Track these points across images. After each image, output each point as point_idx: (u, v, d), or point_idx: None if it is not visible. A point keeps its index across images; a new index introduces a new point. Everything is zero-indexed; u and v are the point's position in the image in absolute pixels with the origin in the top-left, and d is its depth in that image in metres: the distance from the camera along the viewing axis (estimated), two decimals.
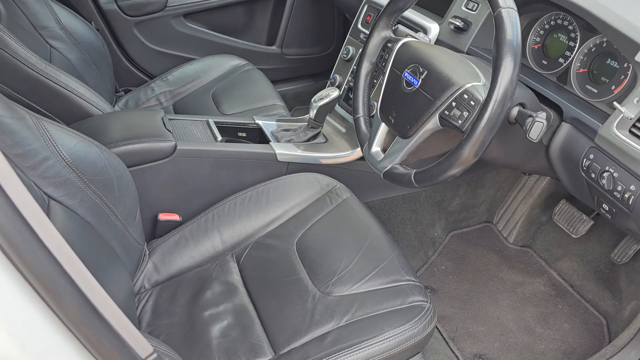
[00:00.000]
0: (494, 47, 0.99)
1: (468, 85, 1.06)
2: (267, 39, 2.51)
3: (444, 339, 1.54)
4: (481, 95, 1.03)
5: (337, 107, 1.74)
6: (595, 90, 1.26)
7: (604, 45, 1.25)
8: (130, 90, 2.15)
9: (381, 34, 1.29)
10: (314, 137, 1.66)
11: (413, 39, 1.25)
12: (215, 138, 1.55)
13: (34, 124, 1.09)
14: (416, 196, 1.80)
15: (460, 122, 1.05)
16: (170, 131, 1.47)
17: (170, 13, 2.23)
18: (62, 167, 1.13)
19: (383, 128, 1.24)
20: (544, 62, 1.38)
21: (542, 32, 1.39)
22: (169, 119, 1.56)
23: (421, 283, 1.24)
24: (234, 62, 2.15)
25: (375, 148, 1.25)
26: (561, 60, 1.34)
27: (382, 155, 1.22)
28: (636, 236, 1.20)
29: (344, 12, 2.20)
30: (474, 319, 1.61)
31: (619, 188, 1.08)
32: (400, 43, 1.23)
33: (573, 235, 1.67)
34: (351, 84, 1.72)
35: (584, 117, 1.17)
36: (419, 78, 1.13)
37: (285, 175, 1.60)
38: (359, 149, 1.64)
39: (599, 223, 1.68)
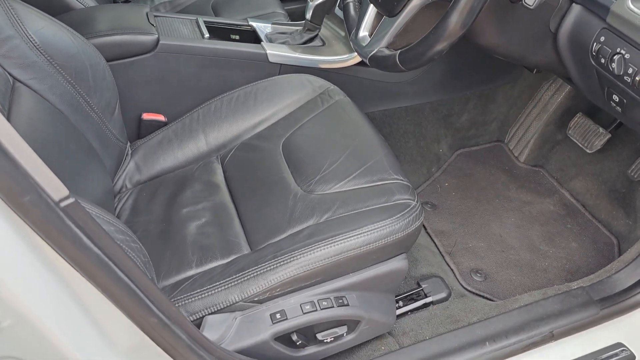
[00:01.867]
0: None
1: None
2: None
3: (440, 252, 1.46)
4: None
5: (337, 10, 1.62)
6: None
7: None
8: (128, 0, 2.07)
9: None
10: (311, 40, 1.56)
11: None
12: (202, 35, 1.46)
13: None
14: (421, 108, 1.69)
15: None
16: (153, 25, 1.39)
17: None
18: (28, 49, 1.07)
19: (371, 10, 1.13)
20: None
21: None
22: (155, 16, 1.48)
23: (410, 183, 1.15)
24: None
25: (363, 33, 1.15)
26: None
27: (369, 39, 1.12)
28: None
29: None
30: (475, 235, 1.52)
31: (630, 71, 0.96)
32: None
33: (587, 150, 1.54)
34: None
35: None
36: None
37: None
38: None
39: (617, 138, 1.55)
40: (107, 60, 1.26)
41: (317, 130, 1.30)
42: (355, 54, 1.53)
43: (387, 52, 1.05)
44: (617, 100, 1.05)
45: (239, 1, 1.90)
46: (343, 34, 1.60)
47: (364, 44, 1.12)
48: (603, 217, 1.55)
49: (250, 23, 1.59)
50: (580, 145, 1.55)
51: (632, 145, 1.57)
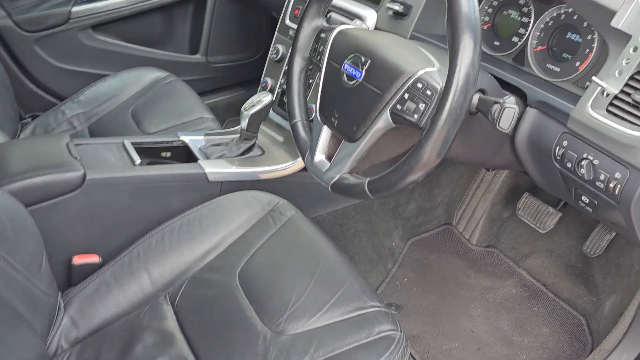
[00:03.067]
0: (448, 26, 0.83)
1: (421, 72, 0.89)
2: (189, 47, 2.29)
3: None
4: (438, 83, 0.87)
5: (272, 114, 1.56)
6: (558, 69, 1.12)
7: (562, 18, 1.12)
8: (37, 115, 1.89)
9: (312, 23, 1.11)
10: (249, 149, 1.47)
11: (349, 26, 1.08)
12: (132, 161, 1.32)
13: None
14: (369, 205, 1.63)
15: (416, 116, 0.88)
16: (77, 158, 1.24)
17: (75, 26, 1.98)
18: None
19: (326, 132, 1.06)
20: (495, 43, 1.24)
21: (490, 10, 1.26)
22: (76, 144, 1.33)
23: (387, 308, 1.06)
24: (153, 74, 1.93)
25: (319, 156, 1.07)
26: (515, 39, 1.20)
27: (328, 164, 1.04)
28: (621, 230, 1.07)
29: (271, 10, 2.02)
30: (447, 334, 1.45)
31: (602, 177, 0.95)
32: (335, 31, 1.06)
33: (541, 230, 1.54)
34: (284, 87, 1.53)
35: (551, 99, 1.03)
36: (362, 69, 0.96)
37: (219, 196, 1.39)
38: (301, 158, 1.46)
39: (565, 214, 1.56)
40: (27, 206, 1.10)
41: (275, 256, 1.19)
42: (297, 161, 1.46)
43: (352, 179, 0.98)
44: (588, 201, 1.03)
45: (160, 107, 1.78)
46: (282, 139, 1.53)
47: (323, 169, 1.04)
48: (566, 295, 1.54)
49: (182, 138, 1.48)
50: (533, 226, 1.55)
51: (580, 218, 1.59)
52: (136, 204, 1.30)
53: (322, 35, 1.09)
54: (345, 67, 0.99)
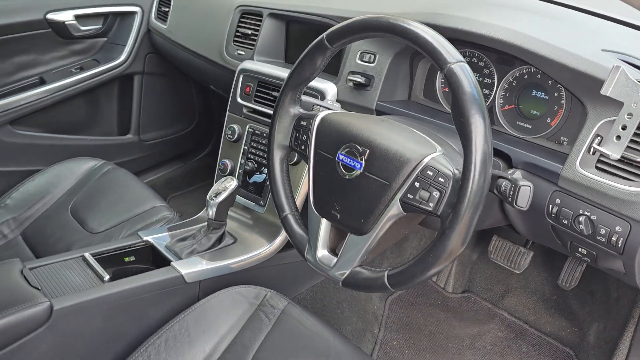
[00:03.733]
0: (453, 109, 0.82)
1: (427, 159, 0.87)
2: (119, 128, 2.15)
3: None
4: (448, 169, 0.85)
5: (238, 197, 1.48)
6: (529, 126, 1.15)
7: (525, 77, 1.15)
8: None
9: (289, 111, 1.07)
10: (220, 239, 1.38)
11: (331, 112, 1.04)
12: (100, 278, 1.19)
13: None
14: None
15: (432, 204, 0.85)
16: (37, 288, 1.10)
17: None
18: None
19: (325, 225, 1.00)
20: None
21: None
22: (31, 269, 1.18)
23: None
24: (87, 164, 1.79)
25: (322, 251, 1.01)
26: None
27: (334, 259, 0.98)
28: (617, 274, 1.10)
29: (207, 83, 1.95)
30: None
31: (602, 232, 0.97)
32: (317, 120, 1.02)
33: (516, 271, 1.56)
34: (247, 167, 1.46)
35: (537, 159, 1.05)
36: (361, 159, 0.92)
37: (199, 298, 1.29)
38: (278, 239, 1.39)
39: (535, 250, 1.60)
40: None
41: (279, 358, 1.11)
42: (274, 243, 1.39)
43: (367, 273, 0.93)
44: (586, 252, 1.05)
45: (104, 200, 1.64)
46: (251, 222, 1.45)
47: (330, 265, 0.98)
48: (550, 330, 1.57)
49: (145, 238, 1.36)
50: (508, 268, 1.57)
51: (545, 250, 1.64)
52: (111, 325, 1.16)
53: (302, 123, 1.04)
54: (341, 158, 0.95)
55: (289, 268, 1.45)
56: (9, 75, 1.86)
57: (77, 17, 1.89)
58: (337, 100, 1.33)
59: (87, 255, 1.26)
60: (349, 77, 1.30)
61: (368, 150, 0.92)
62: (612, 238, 0.95)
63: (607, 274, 1.51)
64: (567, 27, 1.11)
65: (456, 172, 0.85)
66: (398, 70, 1.28)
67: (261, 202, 1.44)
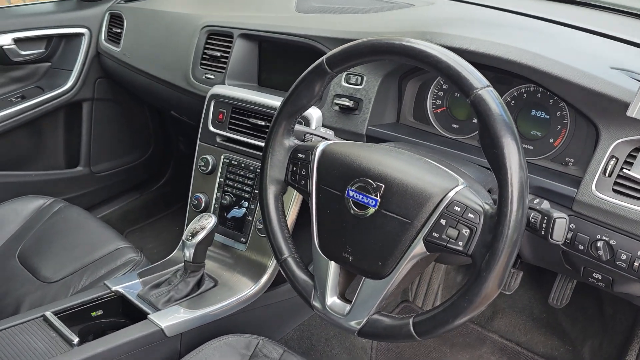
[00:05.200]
0: (483, 138, 0.75)
1: (452, 194, 0.79)
2: (66, 160, 1.96)
3: None
4: (477, 203, 0.77)
5: (215, 235, 1.34)
6: (531, 147, 1.10)
7: (524, 97, 1.10)
8: None
9: (284, 143, 0.96)
10: (198, 284, 1.25)
11: (330, 142, 0.95)
12: (68, 342, 1.03)
13: None
14: None
15: (461, 243, 0.77)
16: None
17: None
18: None
19: (334, 269, 0.90)
20: (454, 125, 1.20)
21: (440, 93, 1.21)
22: None
23: None
24: (34, 203, 1.60)
25: (332, 298, 0.90)
26: (475, 120, 1.16)
27: (347, 307, 0.88)
28: (632, 298, 1.06)
29: (167, 109, 1.81)
30: None
31: (623, 257, 0.92)
32: (317, 152, 0.92)
33: (507, 292, 1.51)
34: (223, 201, 1.34)
35: (546, 182, 0.99)
36: (376, 196, 0.83)
37: (180, 352, 1.16)
38: (264, 278, 1.28)
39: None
40: None
41: None
42: (259, 283, 1.28)
43: (388, 320, 0.84)
44: (601, 277, 1.00)
45: (57, 243, 1.46)
46: (232, 261, 1.33)
47: (342, 313, 0.88)
48: (542, 350, 1.53)
49: (113, 289, 1.21)
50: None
51: (531, 268, 1.60)
52: None
53: (300, 155, 0.94)
54: (351, 194, 0.85)
55: (276, 308, 1.34)
56: None
57: (16, 40, 1.71)
58: (323, 126, 1.24)
59: (48, 314, 1.10)
60: (335, 101, 1.21)
61: (383, 186, 0.83)
62: (635, 263, 0.90)
63: (598, 290, 1.48)
64: (568, 45, 1.07)
65: (486, 206, 0.77)
66: (387, 92, 1.20)
67: (242, 239, 1.32)
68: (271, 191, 0.98)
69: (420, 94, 1.24)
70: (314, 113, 1.23)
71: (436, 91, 1.21)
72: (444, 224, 0.79)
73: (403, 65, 1.15)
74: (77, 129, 1.93)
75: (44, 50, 1.80)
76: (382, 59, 0.86)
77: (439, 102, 1.21)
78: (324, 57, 0.89)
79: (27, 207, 1.60)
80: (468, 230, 0.77)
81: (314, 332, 1.45)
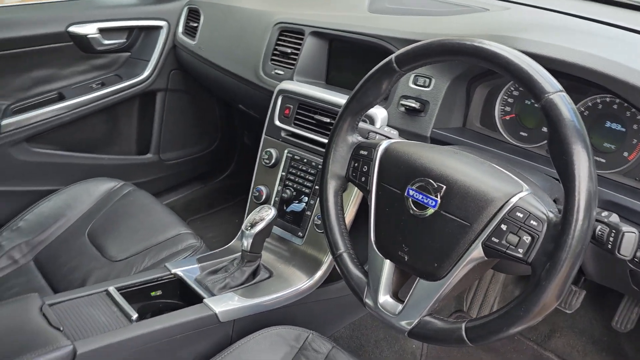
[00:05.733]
0: (552, 144, 0.72)
1: (515, 199, 0.77)
2: (138, 147, 2.06)
3: None
4: (541, 211, 0.75)
5: (274, 227, 1.37)
6: (604, 160, 1.05)
7: (599, 108, 1.06)
8: None
9: (347, 140, 0.97)
10: (254, 273, 1.27)
11: (394, 141, 0.95)
12: (128, 317, 1.08)
13: None
14: None
15: (521, 250, 0.75)
16: (59, 329, 0.99)
17: (7, 140, 1.70)
18: None
19: (389, 267, 0.90)
20: (522, 133, 1.16)
21: (510, 100, 1.18)
22: (50, 304, 1.07)
23: None
24: (106, 185, 1.69)
25: (384, 297, 0.90)
26: (545, 128, 1.13)
27: (399, 306, 0.88)
28: None
29: (236, 102, 1.86)
30: None
31: None
32: (380, 150, 0.92)
33: (567, 311, 1.46)
34: (284, 195, 1.36)
35: (620, 198, 0.95)
36: (436, 196, 0.82)
37: (232, 338, 1.18)
38: (318, 273, 1.29)
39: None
40: None
41: None
42: (313, 277, 1.29)
43: (440, 323, 0.83)
44: None
45: (124, 225, 1.54)
46: (288, 254, 1.35)
47: (394, 312, 0.88)
48: None
49: (173, 271, 1.25)
50: (559, 307, 1.46)
51: (596, 288, 1.53)
52: None
53: (362, 152, 0.94)
54: (411, 194, 0.85)
55: (328, 304, 1.34)
56: (27, 89, 1.76)
57: (100, 30, 1.80)
58: (387, 126, 1.23)
59: (111, 289, 1.15)
60: (401, 102, 1.20)
61: (445, 187, 0.82)
62: None
63: None
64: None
65: (550, 214, 0.75)
66: (455, 95, 1.19)
67: (299, 233, 1.34)
68: (331, 186, 0.99)
69: (489, 99, 1.21)
70: (379, 113, 1.23)
71: (506, 97, 1.18)
72: (504, 229, 0.77)
73: (472, 69, 1.13)
74: (149, 118, 2.02)
75: (124, 40, 1.89)
76: (452, 59, 0.85)
77: (508, 108, 1.18)
78: (393, 55, 0.89)
79: (98, 189, 1.68)
80: (529, 238, 0.75)
81: (365, 332, 1.45)
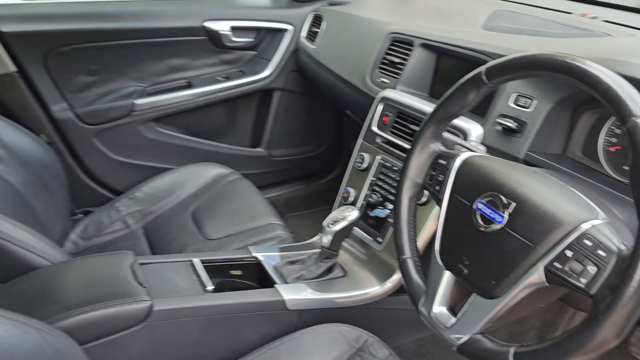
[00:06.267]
0: (633, 170, 0.68)
1: (587, 226, 0.72)
2: (251, 141, 2.19)
3: None
4: (612, 242, 0.70)
5: (355, 229, 1.39)
6: None
7: None
8: (90, 211, 1.78)
9: (428, 147, 0.97)
10: (329, 270, 1.30)
11: (474, 154, 0.93)
12: (203, 286, 1.17)
13: None
14: None
15: (584, 280, 0.70)
16: (143, 285, 1.09)
17: (137, 118, 1.90)
18: None
19: (447, 278, 0.89)
20: (625, 167, 1.08)
21: (618, 131, 1.10)
22: (141, 263, 1.18)
23: None
24: (215, 170, 1.81)
25: (439, 307, 0.89)
26: None
27: (452, 319, 0.86)
28: None
29: (344, 107, 1.92)
30: None
31: None
32: (459, 161, 0.91)
33: (637, 355, 1.31)
34: (370, 199, 1.38)
35: None
36: (504, 213, 0.80)
37: (296, 326, 1.22)
38: (391, 281, 1.28)
39: None
40: (82, 343, 0.94)
41: None
42: (384, 285, 1.28)
43: (489, 344, 0.80)
44: None
45: (223, 209, 1.64)
46: (365, 258, 1.36)
47: (446, 324, 0.86)
48: None
49: (254, 254, 1.32)
50: (633, 353, 1.32)
51: None
52: (205, 338, 1.13)
53: (441, 161, 0.94)
54: (479, 207, 0.83)
55: (395, 314, 1.33)
56: (162, 75, 1.96)
57: (232, 28, 1.96)
58: (482, 144, 1.21)
59: (195, 261, 1.25)
60: (497, 120, 1.17)
61: (514, 204, 0.79)
62: None
63: None
64: None
65: (622, 247, 0.70)
66: (557, 120, 1.13)
67: (379, 239, 1.34)
68: (407, 191, 0.99)
69: (595, 129, 1.14)
70: (474, 129, 1.21)
71: (613, 128, 1.10)
72: (569, 256, 0.72)
73: (579, 93, 1.08)
74: (264, 114, 2.14)
75: (252, 39, 2.03)
76: (542, 74, 0.82)
77: (614, 139, 1.10)
78: (483, 66, 0.88)
79: (208, 173, 1.81)
80: (595, 268, 0.70)
81: (429, 351, 1.41)
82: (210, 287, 1.17)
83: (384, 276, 1.30)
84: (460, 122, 1.22)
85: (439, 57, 1.43)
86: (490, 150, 1.18)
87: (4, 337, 0.78)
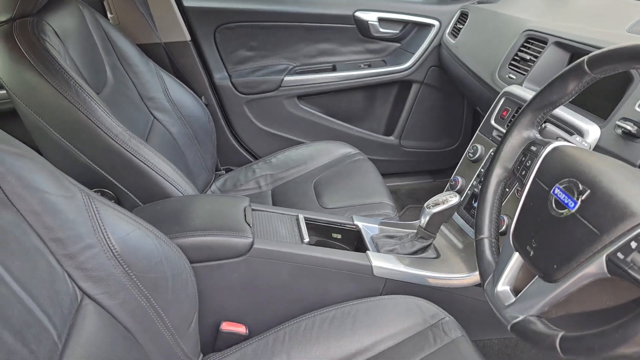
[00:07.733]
0: None
1: None
2: (385, 129, 2.28)
3: None
4: None
5: (456, 216, 1.42)
6: None
7: None
8: (231, 169, 2.01)
9: (523, 133, 0.98)
10: (423, 249, 1.35)
11: (567, 144, 0.92)
12: (302, 238, 1.29)
13: (85, 205, 0.91)
14: None
15: None
16: (250, 225, 1.24)
17: (284, 94, 2.10)
18: (106, 258, 0.93)
19: (516, 259, 0.90)
20: None
21: None
22: (253, 210, 1.34)
23: None
24: (343, 150, 1.93)
25: (503, 287, 0.90)
26: None
27: (513, 299, 0.87)
28: None
29: (475, 104, 1.92)
30: None
31: None
32: (549, 148, 0.91)
33: None
34: (476, 190, 1.39)
35: None
36: (577, 199, 0.79)
37: (380, 294, 1.29)
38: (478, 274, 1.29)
39: None
40: (192, 262, 1.11)
41: None
42: (474, 273, 1.30)
43: (541, 326, 0.80)
44: None
45: (342, 183, 1.76)
46: (461, 246, 1.38)
47: (505, 303, 0.88)
48: None
49: (356, 222, 1.41)
50: None
51: None
52: (294, 283, 1.25)
53: (532, 148, 0.95)
54: (556, 192, 0.83)
55: (482, 307, 1.32)
56: (311, 57, 2.13)
57: (380, 19, 2.06)
58: (597, 146, 1.16)
59: (300, 216, 1.38)
60: (618, 123, 1.12)
61: (589, 191, 0.79)
62: None
63: None
64: None
65: None
66: None
67: None
68: (496, 174, 1.01)
69: None
70: (591, 130, 1.17)
71: None
72: (633, 247, 0.71)
73: None
74: (401, 105, 2.21)
75: (398, 32, 2.12)
76: None
77: None
78: (586, 56, 0.87)
79: (338, 150, 1.94)
80: None
81: (517, 355, 1.38)
82: (306, 240, 1.28)
83: (475, 266, 1.31)
84: (578, 121, 1.18)
85: (572, 57, 1.38)
86: (605, 152, 1.14)
87: (131, 234, 0.97)
